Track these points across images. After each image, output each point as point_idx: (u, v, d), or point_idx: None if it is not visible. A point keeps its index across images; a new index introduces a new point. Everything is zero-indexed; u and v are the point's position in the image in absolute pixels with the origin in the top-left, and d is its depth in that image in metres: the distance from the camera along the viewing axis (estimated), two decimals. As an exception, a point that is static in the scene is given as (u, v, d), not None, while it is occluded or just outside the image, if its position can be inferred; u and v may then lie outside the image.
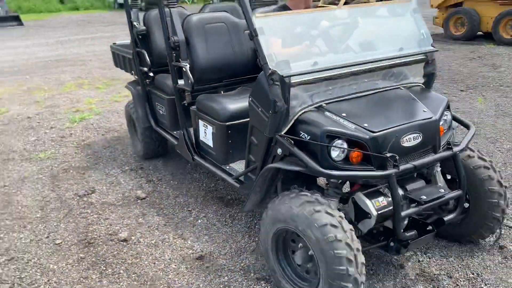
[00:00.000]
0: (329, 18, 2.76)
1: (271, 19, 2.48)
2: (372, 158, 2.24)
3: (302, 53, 2.57)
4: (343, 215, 2.20)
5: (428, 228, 2.43)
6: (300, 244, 2.33)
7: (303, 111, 2.35)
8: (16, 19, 18.98)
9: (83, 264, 2.85)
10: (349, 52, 2.67)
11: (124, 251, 2.97)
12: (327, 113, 2.35)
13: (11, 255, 2.95)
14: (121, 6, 27.05)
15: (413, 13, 2.80)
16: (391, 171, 2.21)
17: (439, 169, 2.58)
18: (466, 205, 2.65)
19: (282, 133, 2.33)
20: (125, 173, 4.15)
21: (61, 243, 3.07)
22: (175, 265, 2.80)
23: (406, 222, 2.36)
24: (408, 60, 2.68)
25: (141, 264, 2.82)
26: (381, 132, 2.24)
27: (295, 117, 2.34)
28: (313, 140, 2.26)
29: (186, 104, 3.38)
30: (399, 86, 2.67)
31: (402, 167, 2.23)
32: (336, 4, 6.21)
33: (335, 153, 2.24)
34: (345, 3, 6.43)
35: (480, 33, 10.35)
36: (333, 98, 2.45)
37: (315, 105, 2.39)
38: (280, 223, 2.31)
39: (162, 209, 3.47)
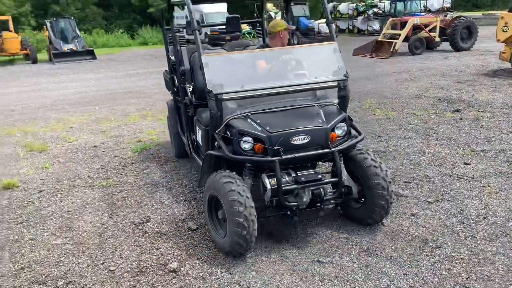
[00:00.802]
0: (263, 57, 3.96)
1: (214, 57, 3.68)
2: (268, 149, 3.26)
3: (234, 79, 3.65)
4: (245, 186, 3.17)
5: (317, 205, 3.38)
6: (220, 205, 3.25)
7: (231, 117, 3.47)
8: (91, 53, 20.52)
9: (134, 292, 2.94)
10: (270, 80, 3.69)
11: (173, 282, 3.03)
12: (248, 120, 3.44)
13: (69, 279, 3.11)
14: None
15: (334, 52, 3.89)
16: (274, 158, 3.20)
17: (343, 166, 3.49)
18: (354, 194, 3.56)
19: (216, 131, 3.46)
20: (179, 204, 4.28)
21: (115, 270, 3.20)
22: (221, 300, 2.81)
23: (307, 199, 3.25)
24: (321, 86, 3.73)
25: (188, 296, 2.86)
26: (275, 133, 3.27)
27: (225, 122, 3.47)
28: (232, 137, 3.39)
29: (191, 115, 4.52)
30: (314, 104, 3.65)
31: (285, 157, 3.21)
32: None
33: (244, 145, 3.33)
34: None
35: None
36: (258, 110, 3.52)
37: (243, 114, 3.49)
38: (210, 191, 3.35)
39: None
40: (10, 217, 4.15)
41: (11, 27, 21.35)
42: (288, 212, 3.33)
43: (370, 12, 28.35)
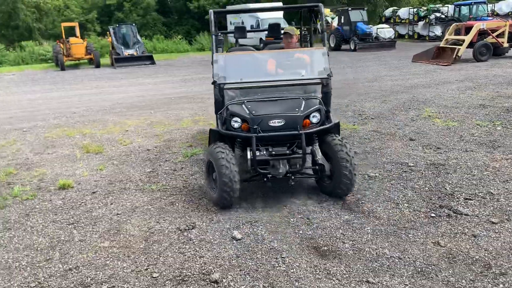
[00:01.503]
0: (260, 57, 5.19)
1: (222, 55, 4.85)
2: (250, 128, 4.18)
3: (235, 73, 4.64)
4: (232, 156, 4.07)
5: (287, 175, 4.24)
6: (214, 169, 4.14)
7: (230, 103, 4.47)
8: (150, 59, 21.24)
9: (175, 301, 2.89)
10: (263, 76, 4.72)
11: (214, 293, 2.96)
12: (243, 105, 4.35)
13: (113, 283, 3.12)
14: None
15: (322, 55, 4.73)
16: (251, 134, 4.12)
17: (317, 147, 4.35)
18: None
19: (218, 112, 4.57)
20: (224, 211, 4.22)
21: (157, 277, 3.18)
22: (262, 316, 2.70)
23: (282, 170, 4.19)
24: (306, 82, 4.67)
25: (228, 310, 2.77)
26: (256, 116, 4.18)
27: (226, 106, 4.49)
28: (226, 117, 4.41)
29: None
30: (299, 97, 4.46)
31: (260, 134, 4.12)
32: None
33: (234, 124, 4.31)
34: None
35: None
36: (253, 99, 4.44)
37: (240, 101, 4.42)
38: (208, 157, 4.26)
39: (256, 253, 3.42)
40: (63, 217, 4.28)
41: (77, 33, 22.57)
42: (265, 179, 4.23)
43: (432, 17, 27.23)
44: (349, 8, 25.14)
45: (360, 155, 5.80)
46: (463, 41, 15.57)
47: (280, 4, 28.77)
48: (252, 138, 4.09)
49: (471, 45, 15.70)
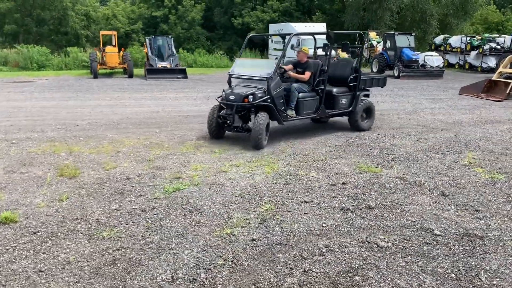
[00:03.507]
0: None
1: (237, 59, 8.52)
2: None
3: (238, 69, 8.00)
4: (216, 111, 7.74)
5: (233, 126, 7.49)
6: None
7: (234, 85, 7.79)
8: (183, 72, 20.70)
9: None
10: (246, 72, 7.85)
11: None
12: (232, 86, 7.79)
13: None
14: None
15: (274, 64, 7.54)
16: (219, 101, 7.72)
17: (254, 115, 7.28)
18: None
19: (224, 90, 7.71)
20: (175, 283, 3.20)
21: None
22: None
23: (236, 123, 7.40)
24: (256, 79, 7.48)
25: None
26: (225, 92, 7.55)
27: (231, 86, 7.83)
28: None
29: None
30: (252, 86, 7.39)
31: (223, 101, 7.52)
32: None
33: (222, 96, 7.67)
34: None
35: None
36: (239, 84, 7.74)
37: (235, 84, 7.77)
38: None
39: None
40: (-26, 267, 3.40)
41: (114, 41, 22.46)
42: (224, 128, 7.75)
43: (486, 47, 25.32)
44: (396, 33, 23.76)
45: (373, 211, 4.63)
46: (520, 75, 13.96)
47: (323, 25, 27.77)
48: (218, 104, 7.72)
49: (528, 80, 14.07)
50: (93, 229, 4.12)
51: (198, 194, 5.08)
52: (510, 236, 4.05)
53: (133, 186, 5.34)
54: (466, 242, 3.93)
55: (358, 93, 8.63)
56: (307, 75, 7.96)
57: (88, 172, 5.88)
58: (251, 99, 7.10)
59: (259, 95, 7.13)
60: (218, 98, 7.67)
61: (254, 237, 3.96)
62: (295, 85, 7.84)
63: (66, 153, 6.85)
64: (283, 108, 7.53)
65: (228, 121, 7.38)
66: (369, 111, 8.97)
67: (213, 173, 5.90)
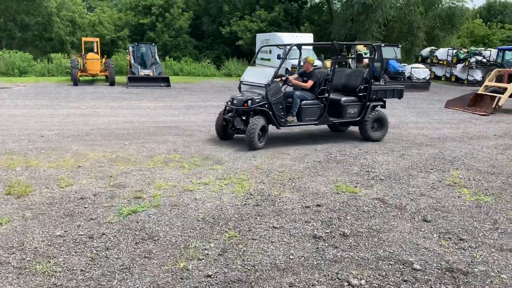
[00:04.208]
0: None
1: (249, 68, 9.27)
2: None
3: (247, 77, 8.59)
4: (220, 115, 8.37)
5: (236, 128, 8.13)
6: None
7: (242, 90, 8.46)
8: (166, 81, 20.20)
9: None
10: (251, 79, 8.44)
11: None
12: (242, 91, 8.47)
13: None
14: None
15: (271, 72, 8.07)
16: (225, 105, 8.33)
17: (252, 117, 7.83)
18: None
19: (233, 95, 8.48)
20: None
21: None
22: None
23: (239, 126, 7.97)
24: (257, 85, 8.12)
25: None
26: (232, 97, 8.19)
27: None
28: None
29: None
30: (253, 91, 8.08)
31: (228, 106, 8.17)
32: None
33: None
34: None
35: None
36: (245, 89, 8.38)
37: (244, 90, 8.37)
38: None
39: None
40: None
41: (96, 48, 21.91)
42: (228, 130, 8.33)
43: (473, 60, 25.28)
44: (382, 44, 23.59)
45: (348, 239, 4.18)
46: (505, 89, 13.74)
47: (311, 36, 27.51)
48: (225, 107, 8.25)
49: (514, 94, 13.87)
50: (27, 260, 3.61)
51: (156, 218, 4.59)
52: (498, 271, 3.63)
53: (85, 208, 4.83)
54: (448, 279, 3.49)
55: (368, 103, 8.68)
56: (309, 83, 8.37)
57: (40, 190, 5.36)
58: (250, 104, 7.67)
59: (257, 100, 7.69)
60: (226, 102, 8.24)
61: (210, 273, 3.48)
62: (297, 93, 8.28)
63: (22, 167, 6.32)
64: (282, 113, 7.98)
65: (230, 123, 7.97)
66: (381, 122, 8.97)
67: (177, 192, 5.41)
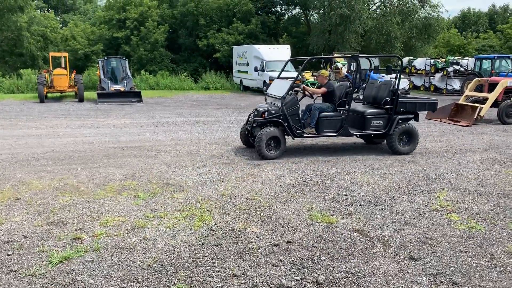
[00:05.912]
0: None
1: (276, 80, 9.59)
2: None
3: (270, 89, 9.07)
4: (270, 131, 7.90)
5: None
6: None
7: (267, 102, 8.77)
8: (137, 96, 19.37)
9: None
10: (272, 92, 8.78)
11: None
12: (266, 101, 8.96)
13: None
14: (245, 89, 27.03)
15: (287, 83, 8.56)
16: (249, 116, 8.74)
17: (267, 127, 8.05)
18: None
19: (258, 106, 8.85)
20: None
21: None
22: None
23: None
24: (275, 97, 8.42)
25: None
26: (256, 108, 8.60)
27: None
28: None
29: None
30: (272, 104, 8.46)
31: (251, 118, 8.59)
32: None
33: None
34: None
35: None
36: (270, 101, 8.67)
37: (268, 102, 8.68)
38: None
39: None
40: None
41: (63, 64, 20.97)
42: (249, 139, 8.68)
43: (450, 69, 25.14)
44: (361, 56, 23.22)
45: (322, 287, 3.47)
46: (486, 99, 13.35)
47: (288, 47, 27.03)
48: (249, 116, 8.68)
49: (495, 104, 13.48)
50: None
51: (93, 267, 3.80)
52: (503, 329, 2.96)
53: (9, 255, 4.02)
54: None
55: (395, 116, 8.47)
56: (322, 89, 8.55)
57: (-41, 233, 4.52)
58: (266, 115, 8.00)
59: (273, 112, 8.01)
60: (250, 113, 8.69)
61: None
62: (316, 104, 8.42)
63: None
64: (298, 125, 8.13)
65: (255, 132, 8.25)
66: (409, 135, 8.69)
67: (125, 230, 4.63)
